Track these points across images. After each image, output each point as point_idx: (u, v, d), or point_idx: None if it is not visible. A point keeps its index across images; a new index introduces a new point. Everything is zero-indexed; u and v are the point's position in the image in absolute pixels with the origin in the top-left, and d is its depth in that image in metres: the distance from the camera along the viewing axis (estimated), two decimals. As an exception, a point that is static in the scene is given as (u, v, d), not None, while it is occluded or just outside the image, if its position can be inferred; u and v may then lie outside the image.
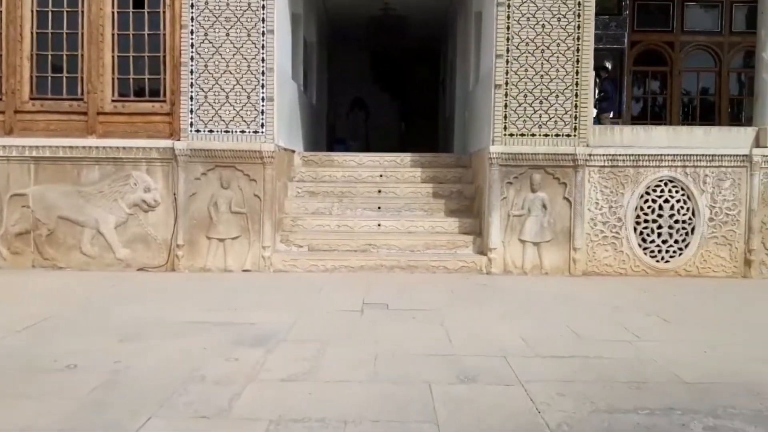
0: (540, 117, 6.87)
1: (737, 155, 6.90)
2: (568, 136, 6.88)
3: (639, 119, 11.67)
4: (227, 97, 6.78)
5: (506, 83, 6.83)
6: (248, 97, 6.77)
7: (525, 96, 6.85)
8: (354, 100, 13.41)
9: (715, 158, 6.90)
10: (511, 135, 6.88)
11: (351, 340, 4.11)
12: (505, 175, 6.88)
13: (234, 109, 6.79)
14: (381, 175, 8.13)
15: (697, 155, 6.89)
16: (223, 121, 6.79)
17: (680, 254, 6.98)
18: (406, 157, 8.53)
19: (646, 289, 6.17)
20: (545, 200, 6.86)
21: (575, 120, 6.87)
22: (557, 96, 6.85)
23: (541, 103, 6.86)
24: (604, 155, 6.88)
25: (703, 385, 3.34)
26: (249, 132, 6.76)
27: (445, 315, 4.84)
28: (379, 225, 7.31)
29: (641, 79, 12.53)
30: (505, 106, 6.86)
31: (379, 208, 7.60)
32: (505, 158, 6.83)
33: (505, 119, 6.87)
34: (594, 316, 4.95)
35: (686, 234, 6.98)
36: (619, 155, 6.89)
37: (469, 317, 4.83)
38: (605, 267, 6.94)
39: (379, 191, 7.84)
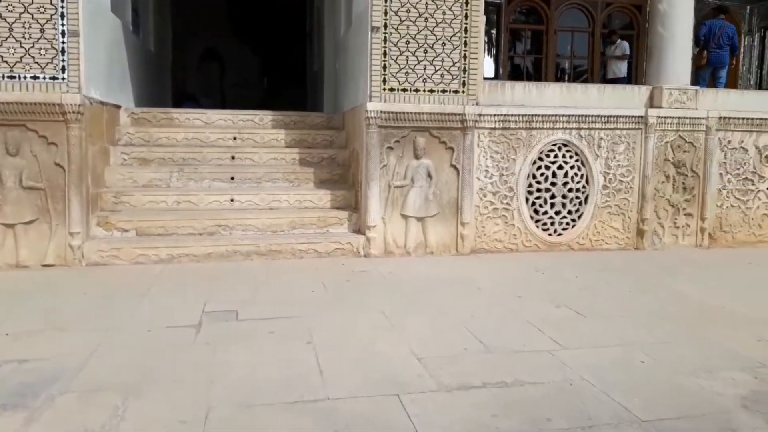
0: (425, 69, 5.78)
1: (632, 116, 6.32)
2: (456, 92, 5.87)
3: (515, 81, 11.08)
4: (11, 29, 4.93)
5: (385, 26, 5.63)
6: (42, 30, 4.96)
7: (407, 42, 5.71)
8: (206, 51, 11.56)
9: (611, 120, 6.27)
10: (392, 90, 5.74)
11: (173, 381, 2.79)
12: (385, 139, 5.75)
13: (22, 47, 4.96)
14: (235, 138, 6.65)
15: (591, 116, 6.21)
16: (6, 62, 4.94)
17: (573, 226, 6.34)
18: (267, 117, 7.11)
19: (543, 268, 5.42)
20: (430, 168, 5.85)
21: (464, 74, 5.87)
22: (444, 44, 5.79)
23: (425, 51, 5.76)
24: (495, 115, 5.98)
25: (663, 423, 2.47)
26: (44, 78, 4.98)
27: (314, 324, 3.65)
28: (232, 200, 5.88)
29: (519, 37, 12.00)
30: (384, 54, 5.68)
31: (232, 178, 6.16)
32: (385, 118, 5.69)
33: (385, 70, 5.70)
34: (497, 312, 4.02)
35: (580, 204, 6.34)
36: (511, 115, 6.02)
37: (346, 324, 3.68)
38: (495, 243, 6.12)
39: (233, 158, 6.38)
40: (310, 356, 3.11)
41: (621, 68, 10.73)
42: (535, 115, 6.06)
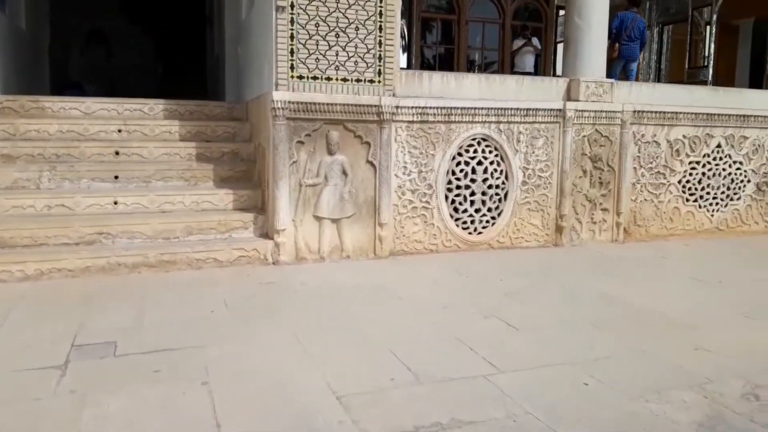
0: (337, 55, 5.25)
1: (551, 110, 6.13)
2: (372, 82, 5.40)
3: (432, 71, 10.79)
4: None
5: (292, 5, 5.05)
6: None
7: (317, 25, 5.16)
8: (91, 32, 10.35)
9: (530, 113, 6.05)
10: (301, 78, 5.17)
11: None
12: (294, 132, 5.18)
13: None
14: (120, 130, 5.82)
15: (511, 110, 5.95)
16: None
17: (493, 224, 6.08)
18: (159, 106, 6.31)
19: (466, 271, 5.09)
20: (345, 164, 5.35)
21: (379, 62, 5.40)
22: (357, 28, 5.29)
23: (337, 36, 5.23)
24: (413, 108, 5.56)
25: (624, 469, 2.14)
26: None
27: (212, 356, 3.06)
28: (115, 203, 5.10)
29: (431, 27, 11.74)
30: (292, 37, 5.10)
31: (116, 177, 5.36)
32: (294, 109, 5.12)
33: (292, 56, 5.12)
34: (423, 328, 3.61)
35: (499, 201, 6.09)
36: (430, 108, 5.63)
37: (251, 354, 3.13)
38: (414, 244, 5.74)
39: (117, 153, 5.56)
40: (204, 403, 2.54)
41: (529, 62, 10.71)
42: (454, 107, 5.72)
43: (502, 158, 6.04)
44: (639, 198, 6.69)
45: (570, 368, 3.05)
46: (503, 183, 6.07)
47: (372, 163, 5.45)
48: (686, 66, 12.50)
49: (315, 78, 5.21)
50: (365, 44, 5.33)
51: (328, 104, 5.20)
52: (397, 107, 5.46)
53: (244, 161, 6.02)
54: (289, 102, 5.08)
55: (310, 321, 3.67)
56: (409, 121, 5.59)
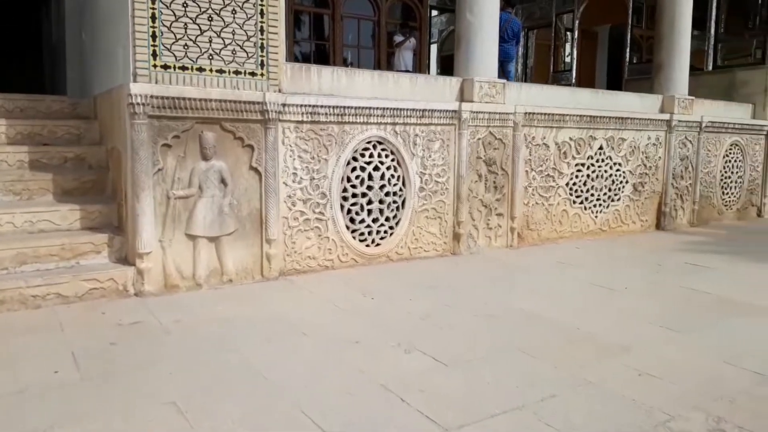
0: (211, 42, 4.41)
1: (447, 111, 5.74)
2: (254, 75, 4.62)
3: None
4: None
5: (153, -22, 4.14)
6: None
7: (185, 5, 4.28)
8: None
9: (426, 114, 5.61)
10: (167, 68, 4.27)
11: None
12: (159, 134, 4.26)
13: None
14: None
15: (407, 110, 5.47)
16: None
17: (392, 234, 5.57)
18: (-24, 100, 5.01)
19: (370, 290, 4.52)
20: (224, 172, 4.53)
21: (262, 51, 4.64)
22: (234, 11, 4.49)
23: (210, 19, 4.40)
24: (302, 106, 4.87)
25: None
26: None
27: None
28: None
29: (301, 21, 11.06)
30: (153, 18, 4.18)
31: None
32: (159, 105, 4.21)
33: (155, 40, 4.20)
34: (337, 373, 2.97)
35: (397, 209, 5.59)
36: (321, 107, 4.98)
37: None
38: (308, 261, 5.05)
39: None
40: None
41: (408, 59, 10.42)
42: (348, 107, 5.11)
43: (398, 163, 5.54)
44: (531, 202, 6.55)
45: (520, 415, 2.58)
46: (401, 190, 5.57)
47: (256, 170, 4.68)
48: (551, 70, 12.97)
49: (184, 68, 4.33)
50: (244, 30, 4.54)
51: (201, 100, 4.35)
52: (284, 105, 4.74)
53: (94, 169, 4.95)
54: (151, 96, 4.16)
55: (193, 378, 2.87)
56: (298, 122, 4.89)
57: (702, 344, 3.55)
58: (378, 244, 5.47)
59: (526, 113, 6.30)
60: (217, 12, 4.41)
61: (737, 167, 8.91)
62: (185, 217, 4.40)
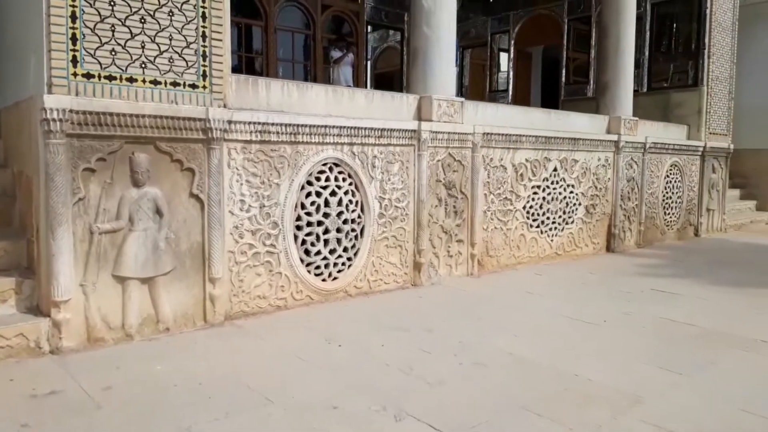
0: (143, 48, 3.74)
1: (406, 130, 5.29)
2: (194, 87, 3.98)
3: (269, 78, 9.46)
4: None
5: (73, -31, 3.43)
6: None
7: (112, 3, 3.60)
8: None
9: (384, 134, 5.13)
10: (90, 77, 3.55)
11: None
12: (80, 156, 3.53)
13: None
14: None
15: (364, 129, 4.97)
16: None
17: (350, 266, 5.02)
18: None
19: (333, 335, 3.96)
20: (160, 200, 3.84)
21: (204, 60, 4.01)
22: (171, 12, 3.84)
23: (143, 21, 3.73)
24: (250, 123, 4.27)
25: None
26: None
27: None
28: None
29: (239, 32, 10.37)
30: (74, 17, 3.47)
31: None
32: (80, 121, 3.48)
33: (75, 44, 3.49)
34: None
35: (356, 238, 5.06)
36: (272, 124, 4.39)
37: None
38: (258, 301, 4.42)
39: None
40: None
41: (348, 74, 9.98)
42: (302, 125, 4.55)
43: (357, 187, 5.02)
44: (490, 227, 6.20)
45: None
46: (359, 217, 5.05)
47: (198, 197, 4.02)
48: (487, 89, 12.91)
49: (111, 78, 3.63)
50: (183, 35, 3.90)
51: (132, 115, 3.66)
52: (229, 122, 4.11)
53: (-5, 196, 4.11)
54: (70, 111, 3.43)
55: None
56: (246, 141, 4.28)
57: (711, 389, 3.24)
58: (335, 278, 4.91)
59: (484, 134, 5.96)
60: (151, 13, 3.75)
61: (677, 187, 9.03)
62: (113, 256, 3.67)
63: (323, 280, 4.82)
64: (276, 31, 10.30)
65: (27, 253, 3.81)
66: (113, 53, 3.62)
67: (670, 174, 8.88)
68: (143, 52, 3.74)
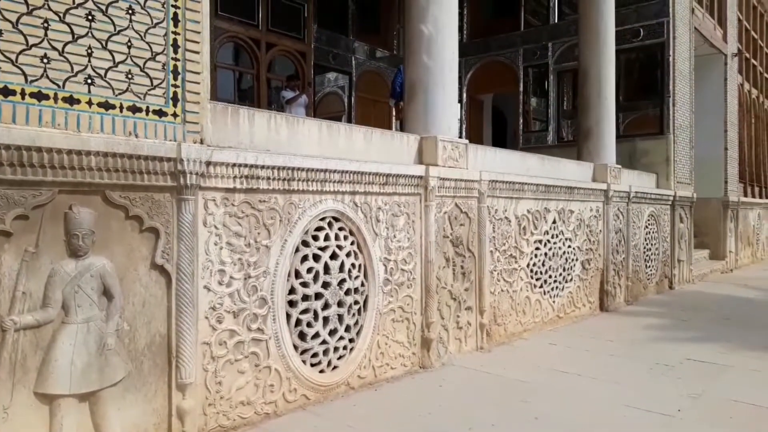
0: (90, 55, 2.59)
1: (413, 176, 4.33)
2: (161, 114, 2.84)
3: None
4: None
5: (-11, -74, 2.28)
6: None
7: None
8: None
9: (390, 180, 4.15)
10: (6, 93, 2.35)
11: None
12: (-12, 212, 2.29)
13: None
14: None
15: (369, 175, 3.96)
16: None
17: (352, 349, 3.90)
18: None
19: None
20: (108, 276, 2.61)
21: (175, 79, 2.90)
22: (131, 10, 2.73)
23: (91, 18, 2.59)
24: (235, 166, 3.15)
25: None
26: None
27: None
28: None
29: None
30: (-15, -1, 2.29)
31: None
32: (-10, 159, 2.27)
33: (-14, 41, 2.30)
34: None
35: (359, 312, 3.96)
36: (262, 167, 3.29)
37: None
38: (241, 409, 3.19)
39: None
40: None
41: (302, 115, 8.97)
42: (298, 168, 3.47)
43: (359, 247, 3.96)
44: (497, 289, 5.29)
45: None
46: (362, 284, 3.97)
47: (163, 270, 2.83)
48: (439, 136, 12.29)
49: (41, 97, 2.44)
50: (147, 42, 2.79)
51: (71, 152, 2.48)
52: (208, 164, 2.98)
53: None
54: (-25, 143, 2.21)
55: None
56: (227, 190, 3.14)
57: None
58: (335, 367, 3.76)
59: (490, 181, 5.11)
60: (103, 7, 2.62)
61: (654, 238, 8.58)
62: (35, 364, 2.40)
63: (321, 371, 3.66)
64: (216, 68, 9.21)
65: None
66: (45, 60, 2.45)
67: (649, 224, 8.42)
68: (90, 61, 2.59)
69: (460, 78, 11.98)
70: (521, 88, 11.09)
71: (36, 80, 2.43)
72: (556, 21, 10.84)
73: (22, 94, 2.39)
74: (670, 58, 9.26)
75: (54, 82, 2.47)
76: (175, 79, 2.89)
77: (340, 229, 3.83)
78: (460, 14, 12.85)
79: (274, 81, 10.31)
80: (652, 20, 9.48)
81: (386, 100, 12.83)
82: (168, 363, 2.84)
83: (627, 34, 9.44)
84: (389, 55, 12.65)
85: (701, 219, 11.90)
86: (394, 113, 8.93)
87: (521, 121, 11.10)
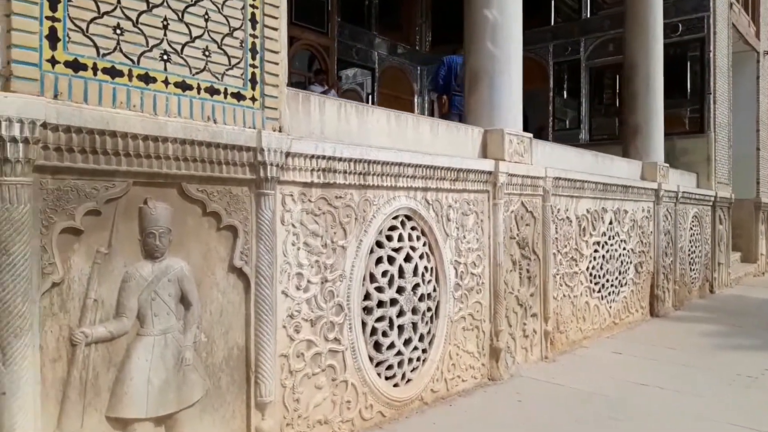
0: (166, 27, 2.26)
1: (481, 172, 4.00)
2: (240, 98, 2.51)
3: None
4: None
5: None
6: None
7: (128, -57, 2.12)
8: None
9: (460, 176, 3.81)
10: (78, 68, 2.02)
11: None
12: (55, 206, 1.96)
13: None
14: None
15: (440, 169, 3.63)
16: None
17: (424, 361, 3.56)
18: None
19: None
20: (187, 281, 2.28)
21: (254, 57, 2.57)
22: (212, -20, 2.40)
23: (173, -18, 2.26)
24: (313, 158, 2.82)
25: None
26: None
27: None
28: None
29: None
30: (59, -44, 1.95)
31: None
32: (59, 144, 1.94)
33: (56, 8, 1.96)
34: None
35: (431, 319, 3.62)
36: (339, 160, 2.95)
37: None
38: (319, 429, 2.85)
39: None
40: None
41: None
42: (374, 161, 3.14)
43: (431, 249, 3.63)
44: (559, 294, 4.95)
45: None
46: (434, 290, 3.63)
47: (241, 273, 2.50)
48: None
49: (114, 73, 2.11)
50: (224, 15, 2.45)
51: (148, 138, 2.14)
52: (288, 155, 2.65)
53: None
54: (44, 126, 1.88)
55: None
56: (304, 184, 2.81)
57: None
58: (409, 380, 3.42)
59: (554, 178, 4.78)
60: (181, -25, 2.30)
61: (698, 240, 8.24)
62: (108, 383, 2.06)
63: (395, 384, 3.33)
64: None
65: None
66: (118, 32, 2.12)
67: (693, 226, 8.08)
68: (165, 35, 2.26)
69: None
70: (551, 85, 10.76)
71: (108, 54, 2.09)
72: (588, 16, 10.50)
73: (94, 69, 2.05)
74: (711, 54, 8.93)
75: (128, 57, 2.14)
76: (253, 58, 2.56)
77: (413, 228, 3.49)
78: (485, 9, 12.55)
79: (295, 76, 9.99)
80: (691, 15, 9.14)
81: (408, 97, 12.52)
82: (246, 379, 2.51)
83: (665, 29, 9.07)
84: (411, 50, 12.33)
85: (733, 221, 11.56)
86: (436, 107, 8.54)
87: (551, 119, 10.76)
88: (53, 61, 1.95)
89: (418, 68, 12.48)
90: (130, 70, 2.14)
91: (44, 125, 1.89)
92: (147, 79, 2.19)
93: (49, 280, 1.92)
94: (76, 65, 2.01)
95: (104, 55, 2.08)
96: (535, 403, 3.70)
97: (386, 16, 11.96)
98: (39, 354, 1.89)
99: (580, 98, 10.37)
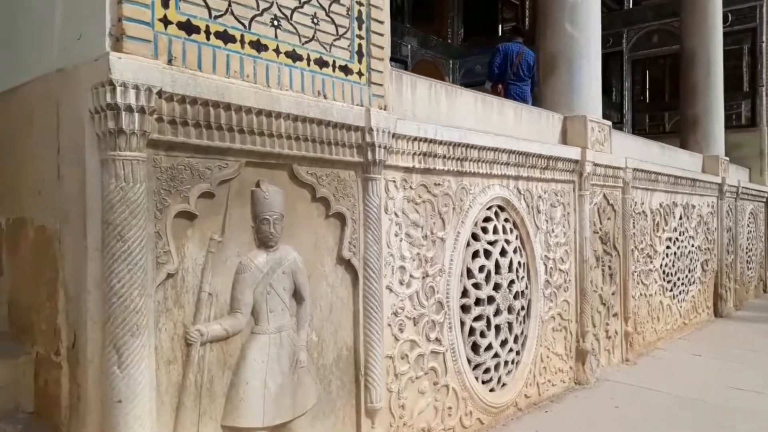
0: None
1: (568, 161, 3.72)
2: (347, 71, 2.26)
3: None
4: None
5: None
6: None
7: None
8: None
9: (550, 164, 3.54)
10: (190, 30, 1.78)
11: None
12: (170, 187, 1.72)
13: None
14: None
15: (532, 157, 3.37)
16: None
17: (517, 363, 3.29)
18: None
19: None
20: (300, 273, 2.04)
21: (359, 27, 2.32)
22: (322, -61, 2.15)
23: (289, -62, 2.02)
24: (415, 141, 2.56)
25: None
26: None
27: None
28: None
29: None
30: None
31: None
32: (174, 116, 1.71)
33: (177, -45, 1.72)
34: None
35: (524, 318, 3.36)
36: (440, 144, 2.70)
37: None
38: (419, 435, 2.61)
39: None
40: None
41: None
42: (471, 146, 2.88)
43: (522, 242, 3.36)
44: (637, 293, 4.66)
45: None
46: (527, 287, 3.37)
47: (349, 265, 2.25)
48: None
49: (227, 38, 1.87)
50: (332, -17, 2.21)
51: (260, 112, 1.90)
52: (394, 136, 2.40)
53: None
54: (160, 95, 1.64)
55: None
56: (405, 169, 2.56)
57: None
58: (504, 384, 3.16)
59: (633, 170, 4.49)
60: (291, -68, 2.05)
61: (755, 238, 7.89)
62: (223, 388, 1.82)
63: (491, 389, 3.06)
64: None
65: (35, 387, 1.88)
66: (233, -7, 1.88)
67: (750, 223, 7.74)
68: (281, 5, 2.01)
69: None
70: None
71: (220, 16, 1.85)
72: (630, 6, 10.18)
73: (207, 32, 1.81)
74: (763, 45, 8.58)
75: (240, 21, 1.90)
76: (360, 28, 2.31)
77: (506, 220, 3.23)
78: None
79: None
80: (742, 4, 8.80)
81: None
82: (355, 382, 2.26)
83: (715, 19, 8.76)
84: (443, 43, 12.06)
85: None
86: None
87: (591, 113, 10.42)
88: (165, 21, 1.71)
89: (450, 61, 12.19)
90: (242, 36, 1.90)
91: (159, 93, 1.65)
92: (258, 46, 1.95)
93: (164, 271, 1.68)
94: (189, 27, 1.77)
95: (216, 17, 1.84)
96: (633, 409, 3.41)
97: (418, 9, 11.70)
98: (154, 355, 1.65)
99: (622, 91, 10.04)
